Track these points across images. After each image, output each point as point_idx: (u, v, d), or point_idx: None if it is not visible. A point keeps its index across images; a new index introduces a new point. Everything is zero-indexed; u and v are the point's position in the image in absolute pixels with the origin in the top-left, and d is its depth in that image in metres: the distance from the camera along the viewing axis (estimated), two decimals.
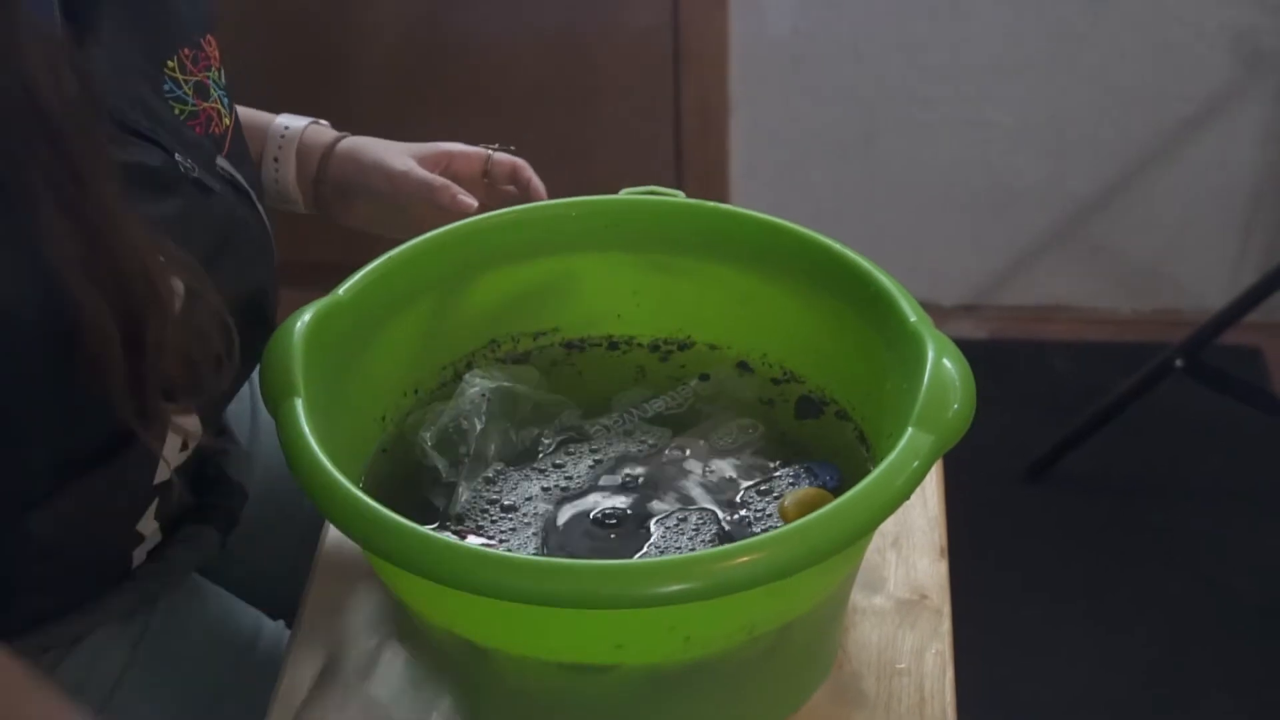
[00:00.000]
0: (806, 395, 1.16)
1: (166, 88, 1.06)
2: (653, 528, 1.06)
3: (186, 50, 1.08)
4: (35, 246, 0.91)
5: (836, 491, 1.08)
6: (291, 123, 1.30)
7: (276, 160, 1.29)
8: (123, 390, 0.95)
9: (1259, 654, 2.13)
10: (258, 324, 1.10)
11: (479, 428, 1.11)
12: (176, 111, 1.07)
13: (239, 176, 1.11)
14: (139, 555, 1.13)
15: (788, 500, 1.06)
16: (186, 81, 1.08)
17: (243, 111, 1.29)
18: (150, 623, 1.16)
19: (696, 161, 2.57)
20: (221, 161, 1.10)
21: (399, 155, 1.29)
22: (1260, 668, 2.11)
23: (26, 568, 1.06)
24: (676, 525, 1.06)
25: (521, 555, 1.02)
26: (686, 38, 2.48)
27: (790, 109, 2.54)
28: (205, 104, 1.09)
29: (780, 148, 2.58)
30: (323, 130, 1.31)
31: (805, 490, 1.07)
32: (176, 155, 1.04)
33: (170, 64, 1.07)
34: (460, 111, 2.56)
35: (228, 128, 1.12)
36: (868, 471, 0.95)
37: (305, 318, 1.05)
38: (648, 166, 2.56)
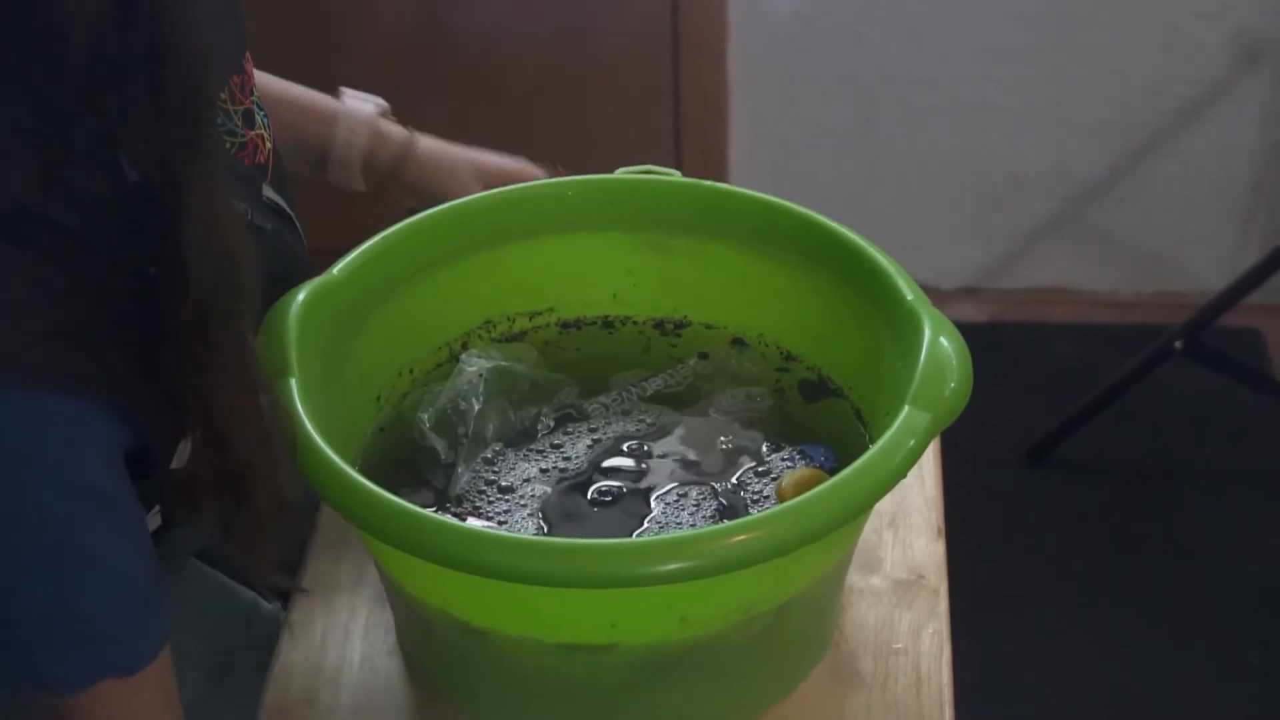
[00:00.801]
0: (808, 379, 1.16)
1: (219, 121, 1.01)
2: (653, 503, 1.05)
3: (235, 79, 1.05)
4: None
5: (832, 473, 1.08)
6: (357, 119, 1.27)
7: (343, 164, 1.27)
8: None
9: (1257, 636, 2.13)
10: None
11: (477, 408, 1.11)
12: (229, 145, 1.04)
13: (282, 202, 1.10)
14: None
15: (785, 481, 1.06)
16: (236, 112, 1.06)
17: (299, 90, 1.27)
18: None
19: (696, 148, 2.56)
20: (267, 190, 1.08)
21: (472, 179, 1.28)
22: (1259, 649, 2.11)
23: None
24: (677, 501, 1.06)
25: (517, 534, 1.02)
26: (686, 24, 2.47)
27: (790, 94, 2.53)
28: (252, 132, 1.07)
29: (780, 133, 2.57)
30: (391, 127, 1.29)
31: (802, 471, 1.07)
32: (234, 200, 0.99)
33: (223, 96, 1.04)
34: (461, 99, 2.55)
35: (269, 152, 1.10)
36: (865, 450, 0.95)
37: (299, 297, 1.04)
38: (647, 153, 2.54)
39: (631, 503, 1.06)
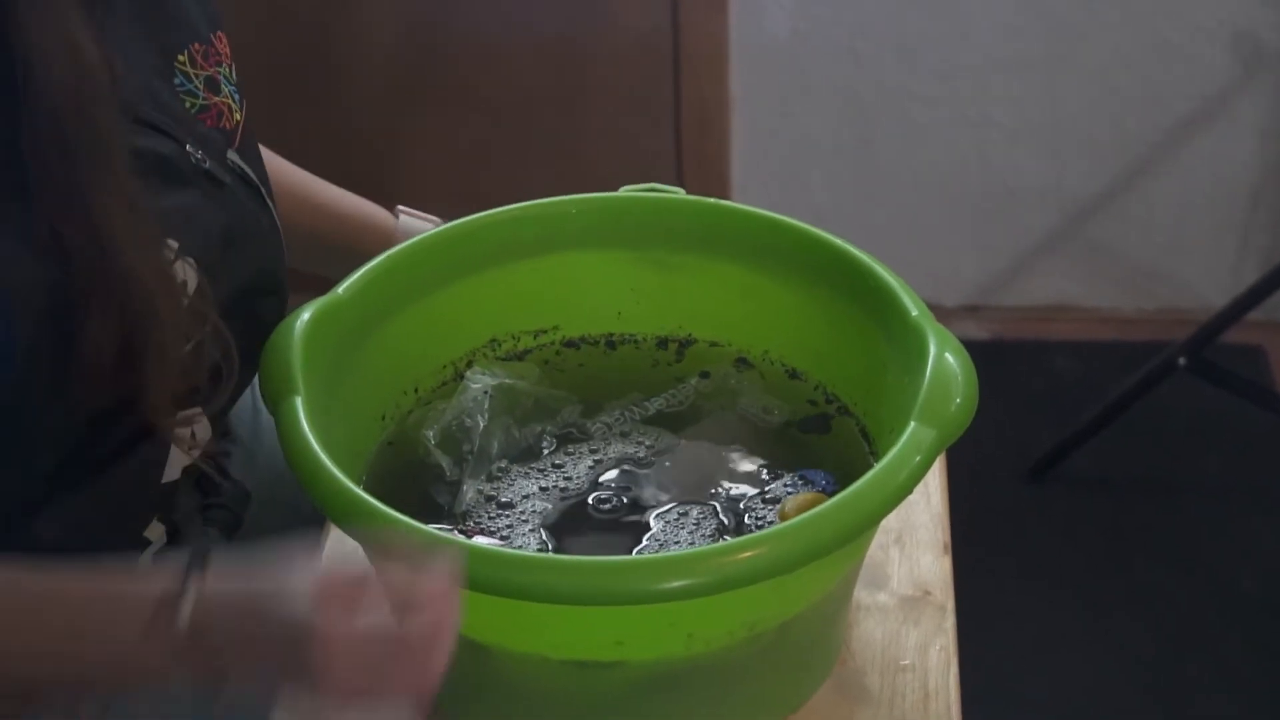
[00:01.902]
0: (811, 406, 1.16)
1: (177, 81, 1.06)
2: (652, 521, 1.05)
3: (197, 45, 1.08)
4: (41, 234, 0.91)
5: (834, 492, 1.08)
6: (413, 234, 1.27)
7: None
8: (121, 392, 0.95)
9: (1262, 652, 2.12)
10: (268, 320, 1.09)
11: (482, 425, 1.11)
12: (188, 105, 1.07)
13: (250, 171, 1.11)
14: (145, 560, 1.13)
15: (788, 505, 1.06)
16: (197, 76, 1.08)
17: (355, 201, 1.30)
18: None
19: (696, 163, 2.57)
20: (232, 155, 1.10)
21: None
22: (1263, 666, 2.11)
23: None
24: (677, 519, 1.06)
25: (522, 551, 1.02)
26: (686, 39, 2.47)
27: (789, 110, 2.54)
28: (216, 98, 1.09)
29: (780, 149, 2.57)
30: None
31: (804, 495, 1.07)
32: (188, 146, 1.04)
33: (181, 58, 1.07)
34: (460, 113, 2.55)
35: (239, 123, 1.12)
36: (870, 466, 0.94)
37: (304, 316, 1.04)
38: (648, 168, 2.56)
39: (631, 519, 1.06)
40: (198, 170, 1.05)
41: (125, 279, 0.93)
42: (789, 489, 1.08)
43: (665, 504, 1.07)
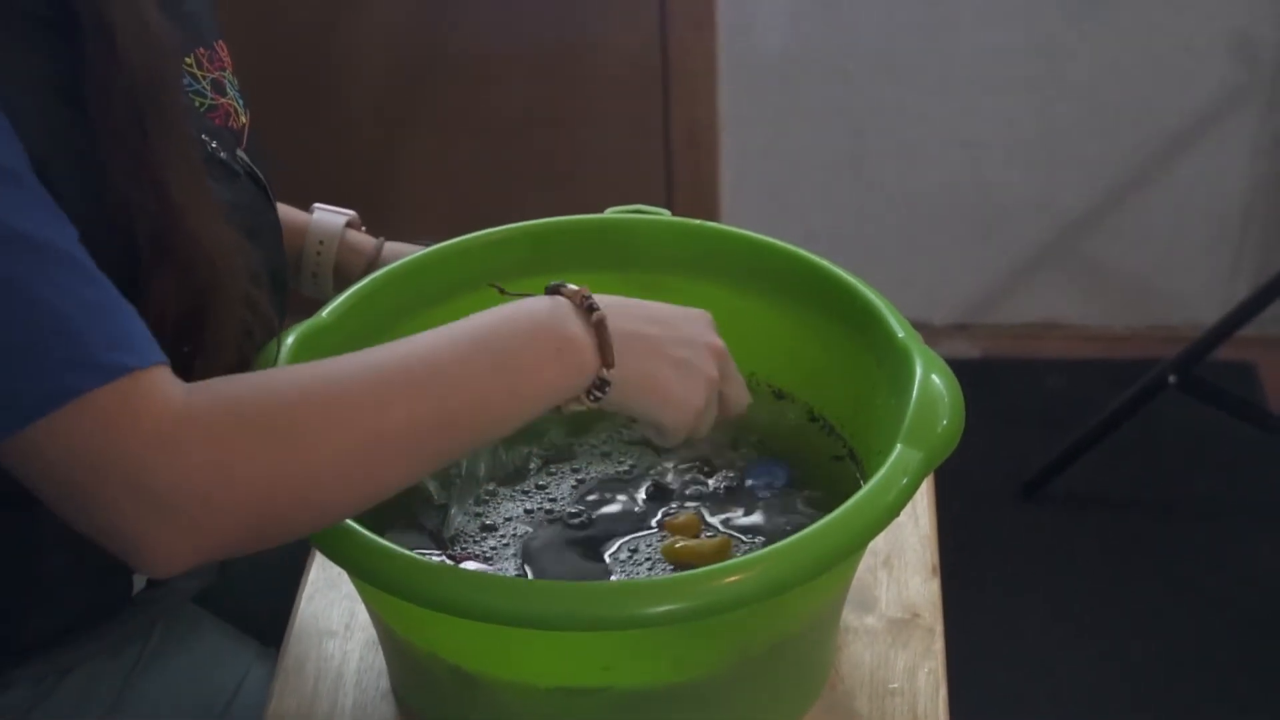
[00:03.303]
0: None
1: (185, 82, 1.07)
2: (607, 559, 1.05)
3: (202, 50, 1.09)
4: (110, 202, 0.93)
5: (786, 489, 1.11)
6: (326, 233, 1.30)
7: (315, 275, 1.30)
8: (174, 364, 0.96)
9: (1254, 670, 2.12)
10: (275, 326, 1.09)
11: None
12: (197, 104, 1.07)
13: (257, 171, 1.12)
14: (139, 580, 1.12)
15: (673, 524, 1.08)
16: (204, 77, 1.09)
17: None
18: (144, 652, 1.15)
19: (686, 182, 2.57)
20: (241, 154, 1.10)
21: None
22: (1256, 683, 2.10)
23: (29, 594, 1.05)
24: (629, 558, 1.05)
25: (507, 577, 1.01)
26: (675, 58, 2.47)
27: (779, 129, 2.54)
28: (223, 99, 1.10)
29: (770, 168, 2.57)
30: (359, 239, 1.31)
31: (686, 515, 1.08)
32: (204, 135, 1.05)
33: (188, 61, 1.08)
34: (450, 132, 2.55)
35: (244, 125, 1.13)
36: (857, 488, 0.94)
37: (288, 341, 1.04)
38: (637, 187, 2.56)
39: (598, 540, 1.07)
40: (213, 158, 1.06)
41: (189, 245, 0.95)
42: (729, 484, 1.11)
43: (615, 544, 1.07)
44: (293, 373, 0.89)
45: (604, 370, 0.92)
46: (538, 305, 0.93)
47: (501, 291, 1.01)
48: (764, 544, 1.06)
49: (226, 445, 0.83)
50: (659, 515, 1.09)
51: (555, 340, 0.91)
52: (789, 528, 1.06)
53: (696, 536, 1.07)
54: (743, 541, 1.07)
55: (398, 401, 0.87)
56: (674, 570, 1.04)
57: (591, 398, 0.93)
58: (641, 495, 1.11)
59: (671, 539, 1.06)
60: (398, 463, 0.88)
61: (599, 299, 0.93)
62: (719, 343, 0.99)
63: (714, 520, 1.09)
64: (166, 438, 0.82)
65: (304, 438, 0.85)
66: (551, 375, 0.91)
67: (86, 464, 0.82)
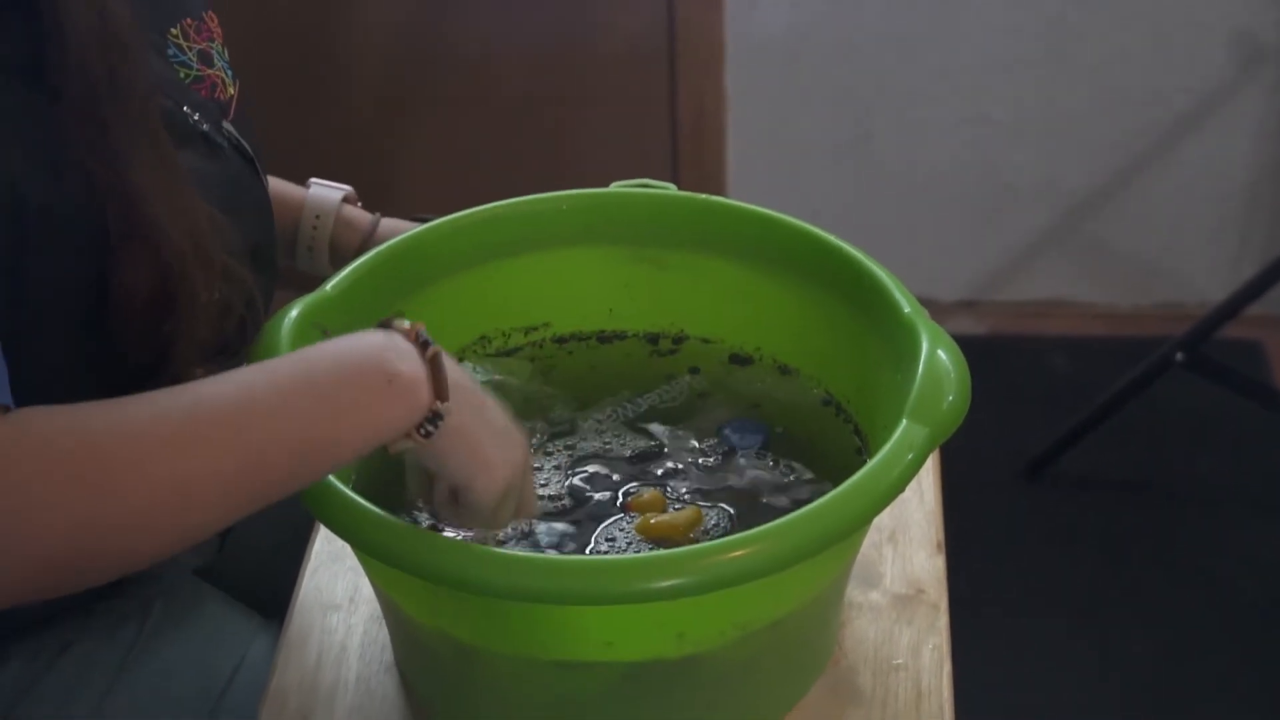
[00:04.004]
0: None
1: (170, 52, 1.07)
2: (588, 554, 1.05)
3: (189, 20, 1.09)
4: (74, 179, 0.92)
5: (760, 450, 1.11)
6: (322, 207, 1.29)
7: (311, 249, 1.29)
8: (148, 350, 0.95)
9: (1257, 651, 2.12)
10: (261, 294, 1.09)
11: None
12: (181, 75, 1.07)
13: (244, 143, 1.11)
14: None
15: (637, 501, 1.08)
16: (190, 48, 1.09)
17: (272, 181, 1.29)
18: (144, 628, 1.15)
19: (692, 161, 2.56)
20: (227, 125, 1.10)
21: None
22: (1258, 664, 2.10)
23: None
24: (608, 549, 1.05)
25: (510, 551, 1.01)
26: (681, 37, 2.47)
27: (786, 107, 2.53)
28: (209, 71, 1.10)
29: (776, 146, 2.57)
30: (355, 214, 1.30)
31: (650, 493, 1.08)
32: (185, 108, 1.05)
33: (174, 31, 1.08)
34: (455, 113, 2.55)
35: (232, 96, 1.12)
36: (863, 464, 0.94)
37: (292, 314, 1.04)
38: (644, 166, 2.53)
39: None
40: (194, 131, 1.05)
41: (152, 223, 0.94)
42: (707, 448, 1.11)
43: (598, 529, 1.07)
44: (108, 410, 0.83)
45: (437, 403, 0.88)
46: (368, 338, 0.89)
47: (325, 334, 0.98)
48: (729, 512, 1.06)
49: (19, 488, 0.79)
50: (620, 498, 1.08)
51: (386, 373, 0.87)
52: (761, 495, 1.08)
53: (664, 511, 1.07)
54: (708, 509, 1.07)
55: (202, 444, 0.83)
56: (653, 548, 1.04)
57: (423, 432, 0.88)
58: (627, 453, 1.11)
59: (644, 517, 1.06)
60: (208, 507, 0.84)
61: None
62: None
63: (679, 487, 1.09)
64: None
65: (106, 482, 0.80)
66: (381, 409, 0.87)
67: None
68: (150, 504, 0.81)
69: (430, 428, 0.88)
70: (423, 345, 0.89)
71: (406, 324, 0.90)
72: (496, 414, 0.94)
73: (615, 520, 1.06)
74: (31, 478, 0.79)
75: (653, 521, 1.05)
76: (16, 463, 0.79)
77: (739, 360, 1.18)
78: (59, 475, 0.79)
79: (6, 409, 0.81)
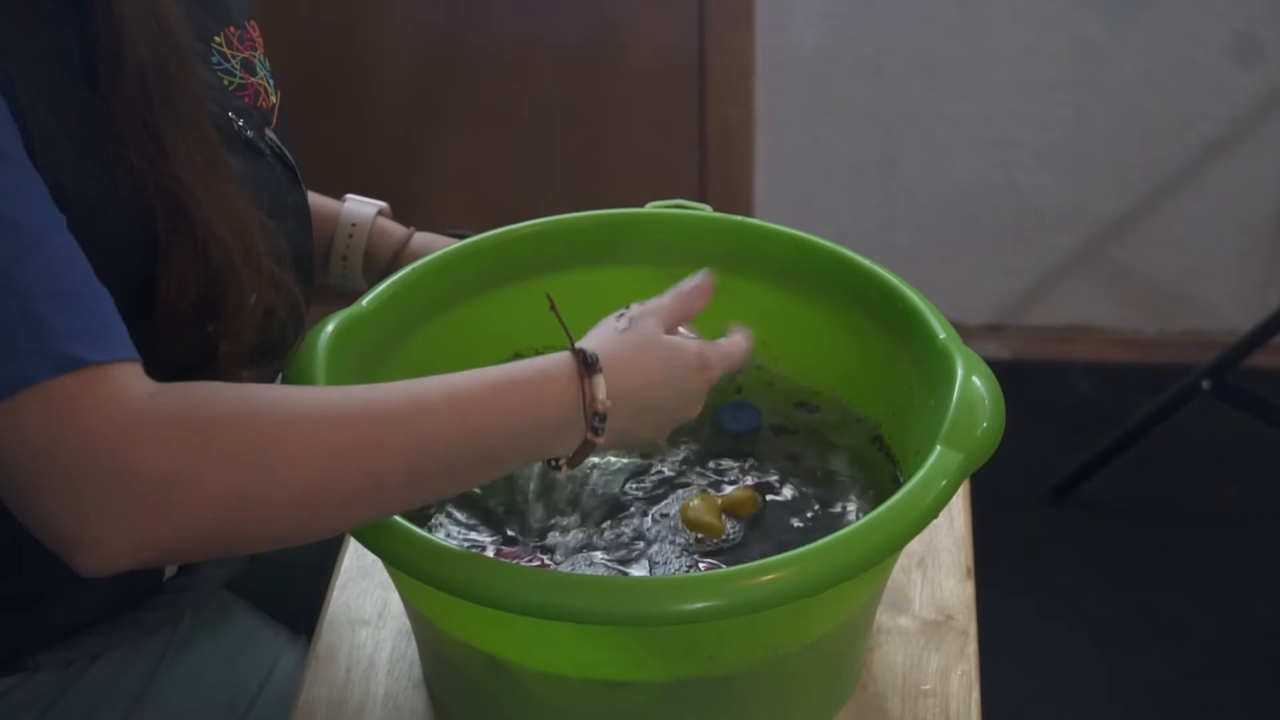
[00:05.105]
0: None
1: (215, 60, 1.07)
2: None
3: (232, 29, 1.10)
4: (125, 181, 0.93)
5: (753, 435, 1.13)
6: (358, 218, 1.29)
7: (345, 259, 1.30)
8: (193, 351, 0.96)
9: (1278, 679, 2.11)
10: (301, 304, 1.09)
11: None
12: (225, 83, 1.08)
13: (286, 152, 1.12)
14: (170, 567, 1.12)
15: (689, 507, 1.08)
16: (233, 56, 1.09)
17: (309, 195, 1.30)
18: (174, 639, 1.15)
19: (720, 180, 2.56)
20: (270, 133, 1.10)
21: None
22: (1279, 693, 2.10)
23: (59, 578, 1.05)
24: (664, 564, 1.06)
25: (543, 570, 1.01)
26: (710, 56, 2.47)
27: (813, 128, 2.53)
28: (252, 79, 1.10)
29: (803, 167, 2.57)
30: (390, 226, 1.31)
31: (701, 498, 1.09)
32: (230, 114, 1.05)
33: (218, 39, 1.08)
34: (482, 128, 2.55)
35: (274, 105, 1.13)
36: (894, 489, 0.94)
37: (328, 329, 1.04)
38: (671, 185, 2.56)
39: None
40: (239, 138, 1.06)
41: (203, 224, 0.95)
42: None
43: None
44: (279, 395, 0.87)
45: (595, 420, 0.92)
46: (546, 386, 0.92)
47: (552, 305, 0.99)
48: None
49: (184, 454, 0.82)
50: (675, 509, 1.09)
51: (551, 429, 0.91)
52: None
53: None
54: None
55: (386, 446, 0.86)
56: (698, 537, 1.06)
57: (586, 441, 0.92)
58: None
59: (702, 504, 1.07)
60: (367, 504, 0.87)
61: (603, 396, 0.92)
62: (707, 385, 0.98)
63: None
64: (114, 436, 0.81)
65: (279, 466, 0.84)
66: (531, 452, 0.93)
67: (32, 451, 0.81)
68: (318, 493, 0.85)
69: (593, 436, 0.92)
70: (595, 421, 0.91)
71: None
72: (660, 427, 0.97)
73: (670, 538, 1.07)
74: (191, 444, 0.82)
75: (692, 505, 1.07)
76: (177, 427, 0.82)
77: (769, 382, 1.18)
78: (222, 448, 0.82)
79: (135, 361, 0.84)
